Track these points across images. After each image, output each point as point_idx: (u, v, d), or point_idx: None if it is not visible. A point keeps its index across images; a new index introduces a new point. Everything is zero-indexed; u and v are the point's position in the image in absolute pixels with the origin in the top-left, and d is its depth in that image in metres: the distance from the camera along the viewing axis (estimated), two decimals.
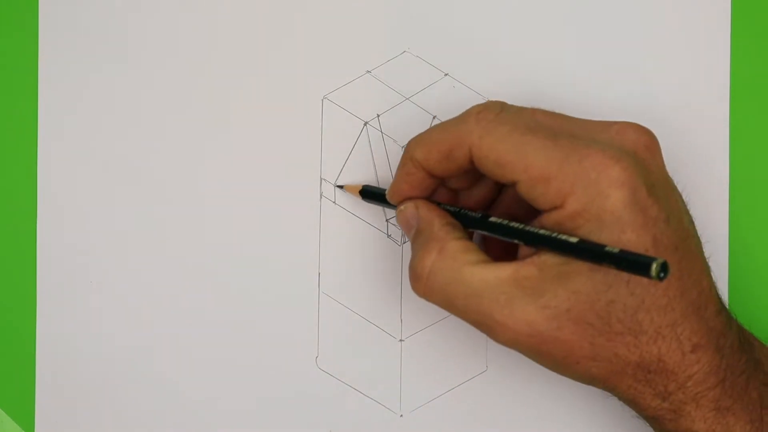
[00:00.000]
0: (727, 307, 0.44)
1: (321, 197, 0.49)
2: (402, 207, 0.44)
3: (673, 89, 0.49)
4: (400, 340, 0.49)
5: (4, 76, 0.50)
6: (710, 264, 0.42)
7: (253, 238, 0.49)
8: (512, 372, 0.49)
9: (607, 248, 0.38)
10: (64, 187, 0.50)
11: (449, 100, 0.49)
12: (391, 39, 0.49)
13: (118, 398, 0.50)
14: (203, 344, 0.49)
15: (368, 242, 0.49)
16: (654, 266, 0.36)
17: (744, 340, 0.43)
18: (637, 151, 0.40)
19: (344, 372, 0.49)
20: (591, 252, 0.38)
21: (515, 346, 0.41)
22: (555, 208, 0.40)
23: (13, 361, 0.50)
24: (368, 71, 0.49)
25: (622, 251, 0.37)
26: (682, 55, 0.49)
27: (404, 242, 0.49)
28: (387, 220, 0.49)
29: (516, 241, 0.41)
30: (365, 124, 0.49)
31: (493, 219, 0.42)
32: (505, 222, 0.42)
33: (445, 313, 0.49)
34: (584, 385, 0.48)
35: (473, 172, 0.43)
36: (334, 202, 0.49)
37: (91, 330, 0.50)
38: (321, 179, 0.49)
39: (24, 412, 0.50)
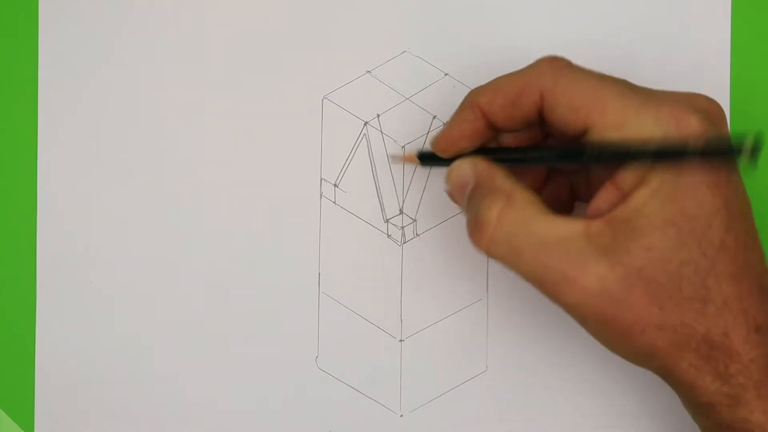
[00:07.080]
0: None
1: (321, 197, 0.49)
2: (457, 163, 0.42)
3: (673, 89, 0.49)
4: (400, 340, 0.49)
5: (4, 76, 0.50)
6: None
7: (253, 238, 0.49)
8: (512, 372, 0.49)
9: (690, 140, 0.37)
10: (64, 187, 0.50)
11: (449, 100, 0.49)
12: (391, 39, 0.49)
13: (117, 398, 0.50)
14: (203, 344, 0.49)
15: (368, 242, 0.49)
16: (746, 144, 0.35)
17: None
18: (709, 113, 0.39)
19: (344, 372, 0.49)
20: (675, 148, 0.37)
21: (580, 309, 0.39)
22: None
23: (13, 361, 0.50)
24: (368, 71, 0.49)
25: (708, 138, 0.37)
26: (682, 54, 0.49)
27: (404, 242, 0.49)
28: (387, 221, 0.49)
29: (591, 161, 0.40)
30: (365, 124, 0.49)
31: (565, 145, 0.41)
32: (578, 146, 0.40)
33: (445, 313, 0.49)
34: (586, 386, 0.48)
35: (530, 134, 0.43)
36: (334, 202, 0.49)
37: (91, 330, 0.50)
38: (321, 179, 0.49)
39: (24, 412, 0.50)
